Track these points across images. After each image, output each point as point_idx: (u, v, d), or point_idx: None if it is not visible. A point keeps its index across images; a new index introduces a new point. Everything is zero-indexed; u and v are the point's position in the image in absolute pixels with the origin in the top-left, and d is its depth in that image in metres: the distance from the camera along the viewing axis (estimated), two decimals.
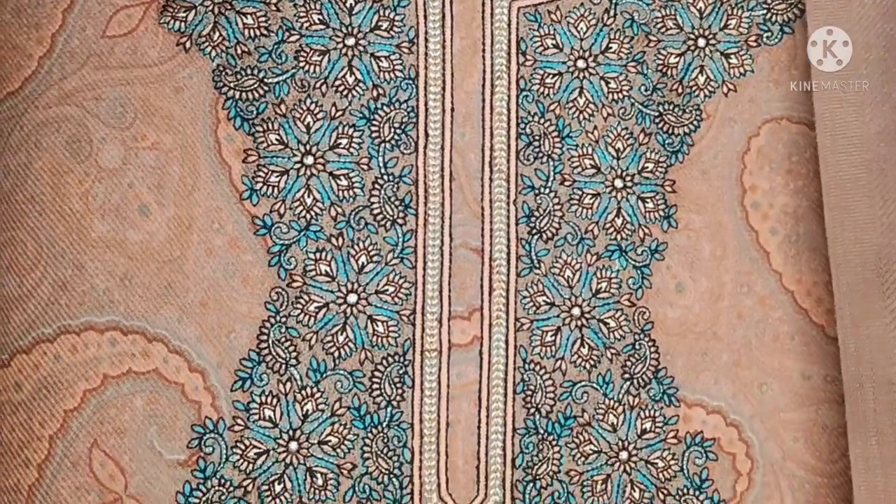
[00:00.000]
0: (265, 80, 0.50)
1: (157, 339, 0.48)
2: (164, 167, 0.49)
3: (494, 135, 0.52)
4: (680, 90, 0.55)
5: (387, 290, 0.50)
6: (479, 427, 0.50)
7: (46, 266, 0.47)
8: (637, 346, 0.52)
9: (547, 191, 0.52)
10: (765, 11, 0.55)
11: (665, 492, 0.52)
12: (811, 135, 0.54)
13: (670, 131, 0.54)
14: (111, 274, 0.48)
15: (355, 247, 0.50)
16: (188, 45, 0.50)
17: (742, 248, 0.54)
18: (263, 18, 0.50)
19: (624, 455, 0.52)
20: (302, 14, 0.51)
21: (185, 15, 0.50)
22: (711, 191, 0.54)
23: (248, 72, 0.50)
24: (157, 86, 0.49)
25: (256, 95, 0.50)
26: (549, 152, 0.52)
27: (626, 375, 0.52)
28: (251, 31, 0.50)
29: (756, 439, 0.53)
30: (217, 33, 0.50)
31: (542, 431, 0.51)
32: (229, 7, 0.50)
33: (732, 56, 0.55)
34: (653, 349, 0.53)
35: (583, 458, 0.51)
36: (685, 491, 0.52)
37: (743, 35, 0.55)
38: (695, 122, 0.55)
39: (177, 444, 0.48)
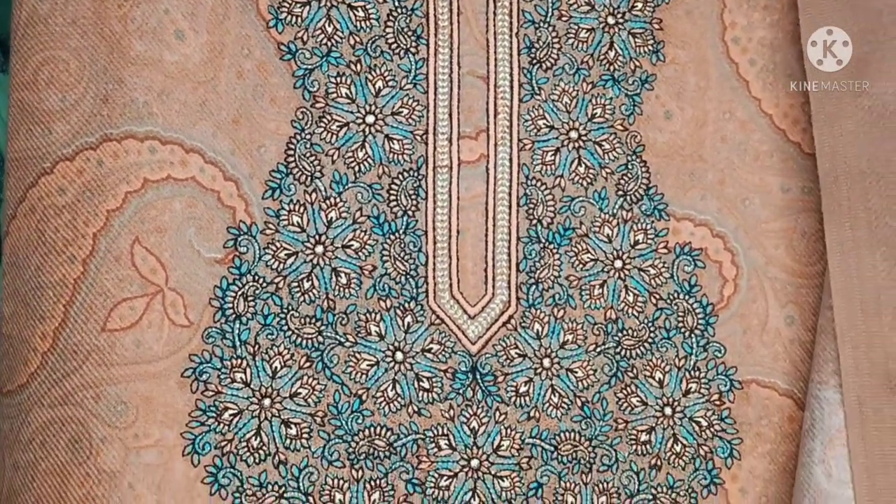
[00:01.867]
0: None
1: (193, 150, 0.50)
2: None
3: None
4: None
5: (401, 111, 0.53)
6: (486, 234, 0.53)
7: (89, 82, 0.50)
8: (630, 167, 0.56)
9: (546, 25, 0.55)
10: None
11: (657, 296, 0.56)
12: None
13: None
14: (150, 89, 0.50)
15: (372, 72, 0.53)
16: None
17: (724, 79, 0.57)
18: None
19: (619, 263, 0.55)
20: None
21: None
22: (695, 28, 0.57)
23: None
24: None
25: None
26: None
27: (620, 192, 0.55)
28: None
29: (741, 248, 0.57)
30: None
31: (543, 240, 0.54)
32: None
33: None
34: (644, 169, 0.56)
35: (581, 265, 0.55)
36: (675, 295, 0.56)
37: None
38: None
39: (214, 243, 0.50)
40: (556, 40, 0.55)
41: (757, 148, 0.57)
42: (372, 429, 0.51)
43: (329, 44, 0.52)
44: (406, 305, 0.52)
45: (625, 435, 0.53)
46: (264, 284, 0.50)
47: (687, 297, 0.55)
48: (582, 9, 0.55)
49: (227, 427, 0.49)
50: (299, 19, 0.52)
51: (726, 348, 0.56)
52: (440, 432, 0.51)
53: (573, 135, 0.55)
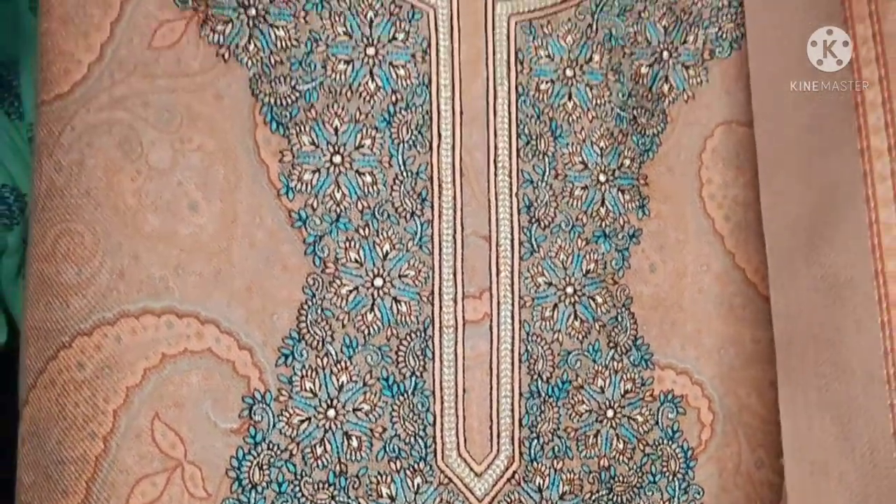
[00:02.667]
0: (297, 87, 0.53)
1: (209, 321, 0.50)
2: (209, 167, 0.51)
3: (498, 135, 0.56)
4: (649, 96, 0.60)
5: (408, 274, 0.54)
6: (490, 393, 0.55)
7: (104, 256, 0.49)
8: (619, 319, 0.57)
9: (543, 184, 0.57)
10: (717, 29, 0.61)
11: (644, 443, 0.58)
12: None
13: (643, 132, 0.59)
14: (165, 264, 0.50)
15: (380, 236, 0.54)
16: (227, 55, 0.52)
17: (701, 233, 0.59)
18: (294, 30, 0.53)
19: (610, 413, 0.57)
20: (328, 26, 0.53)
21: (223, 28, 0.52)
22: (676, 184, 0.59)
23: (282, 80, 0.53)
24: (199, 93, 0.52)
25: (289, 101, 0.53)
26: (545, 150, 0.57)
27: (611, 344, 0.57)
28: (283, 42, 0.53)
29: (716, 395, 0.59)
30: (252, 44, 0.53)
31: (543, 395, 0.56)
32: (263, 20, 0.53)
33: (691, 68, 0.60)
34: (632, 321, 0.58)
35: (577, 417, 0.56)
36: (660, 441, 0.58)
37: (699, 49, 0.61)
38: (662, 125, 0.60)
39: (229, 414, 0.50)
40: (553, 199, 0.56)
41: (731, 300, 0.59)
42: None
43: (338, 210, 0.53)
44: (416, 466, 0.53)
45: None
46: (278, 452, 0.51)
47: (670, 442, 0.58)
48: (577, 167, 0.57)
49: None
50: (309, 186, 0.53)
51: (704, 490, 0.58)
52: None
53: (569, 290, 0.56)
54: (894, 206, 0.55)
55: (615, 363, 0.57)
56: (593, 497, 0.56)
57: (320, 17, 0.53)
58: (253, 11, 0.52)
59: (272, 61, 0.53)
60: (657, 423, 0.57)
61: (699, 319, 0.59)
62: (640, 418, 0.57)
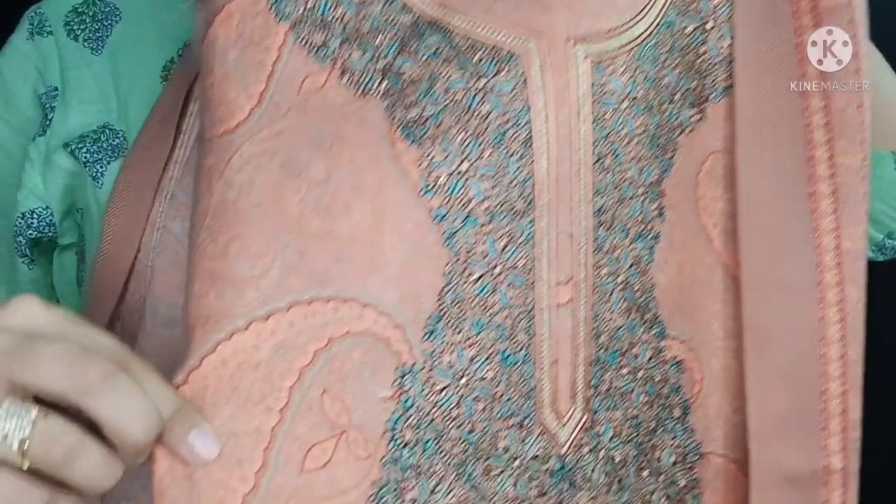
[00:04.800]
0: (424, 112, 0.46)
1: (368, 305, 0.43)
2: (359, 175, 0.44)
3: (580, 151, 0.52)
4: (668, 128, 0.57)
5: (518, 264, 0.49)
6: (571, 362, 0.51)
7: (275, 255, 0.41)
8: (647, 301, 0.56)
9: (607, 194, 0.53)
10: (711, 80, 0.59)
11: (660, 396, 0.57)
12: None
13: (663, 155, 0.57)
14: (327, 258, 0.42)
15: (499, 232, 0.48)
16: (363, 95, 0.45)
17: (697, 235, 0.58)
18: (418, 72, 0.46)
19: (640, 374, 0.55)
20: (444, 67, 0.47)
21: (358, 76, 0.45)
22: (681, 197, 0.58)
23: (411, 107, 0.46)
24: (344, 120, 0.44)
25: (420, 122, 0.46)
26: (608, 167, 0.54)
27: (642, 321, 0.56)
28: (409, 80, 0.46)
29: (704, 359, 0.58)
30: (384, 85, 0.45)
31: (602, 362, 0.53)
32: (391, 69, 0.46)
33: (694, 107, 0.59)
34: (654, 303, 0.56)
35: (620, 378, 0.54)
36: (669, 395, 0.57)
37: (699, 94, 0.58)
38: (674, 151, 0.58)
39: (385, 383, 0.44)
40: (612, 206, 0.54)
41: (716, 287, 0.58)
42: None
43: (468, 209, 0.47)
44: (522, 423, 0.49)
45: (636, 499, 0.54)
46: (424, 415, 0.45)
47: (675, 395, 0.57)
48: (626, 182, 0.55)
49: None
50: (444, 189, 0.47)
51: (696, 430, 0.58)
52: None
53: (620, 279, 0.54)
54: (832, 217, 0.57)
55: (644, 336, 0.55)
56: (630, 439, 0.54)
57: (438, 62, 0.47)
58: (381, 63, 0.45)
59: (402, 95, 0.46)
60: (667, 381, 0.57)
61: (693, 301, 0.58)
62: (657, 377, 0.56)
